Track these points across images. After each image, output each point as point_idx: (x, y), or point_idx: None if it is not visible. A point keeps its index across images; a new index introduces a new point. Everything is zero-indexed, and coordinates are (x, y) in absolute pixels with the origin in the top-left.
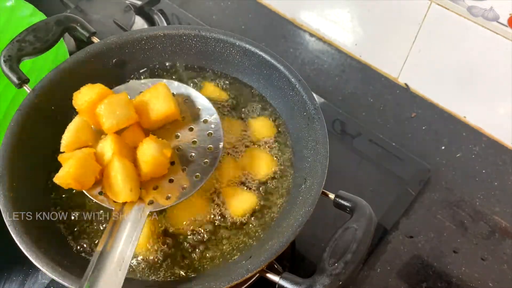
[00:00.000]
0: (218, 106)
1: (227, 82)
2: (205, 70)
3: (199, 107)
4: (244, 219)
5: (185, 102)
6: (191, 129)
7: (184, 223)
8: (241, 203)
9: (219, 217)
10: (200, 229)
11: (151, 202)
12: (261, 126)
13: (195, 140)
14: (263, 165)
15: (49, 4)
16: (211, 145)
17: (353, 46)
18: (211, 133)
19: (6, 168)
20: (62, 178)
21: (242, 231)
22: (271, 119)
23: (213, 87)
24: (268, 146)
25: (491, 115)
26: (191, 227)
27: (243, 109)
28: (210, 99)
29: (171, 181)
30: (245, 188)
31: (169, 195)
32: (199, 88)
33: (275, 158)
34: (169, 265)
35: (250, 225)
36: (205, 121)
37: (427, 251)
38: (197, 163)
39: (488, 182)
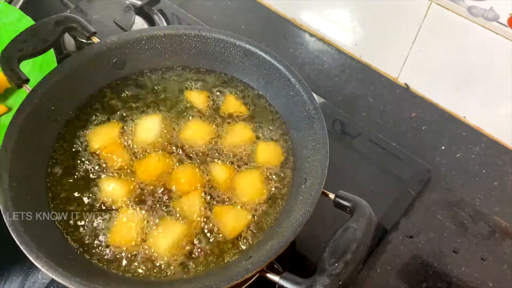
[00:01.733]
0: (236, 116)
1: (248, 94)
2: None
3: None
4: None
5: None
6: None
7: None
8: (232, 221)
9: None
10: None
11: None
12: (269, 152)
13: None
14: (251, 192)
15: (49, 4)
16: None
17: (353, 46)
18: None
19: (6, 168)
20: None
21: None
22: (282, 147)
23: (235, 100)
24: (269, 174)
25: (491, 115)
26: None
27: (258, 126)
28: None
29: None
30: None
31: None
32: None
33: (268, 188)
34: (168, 265)
35: (250, 226)
36: None
37: (427, 251)
38: None
39: (488, 182)
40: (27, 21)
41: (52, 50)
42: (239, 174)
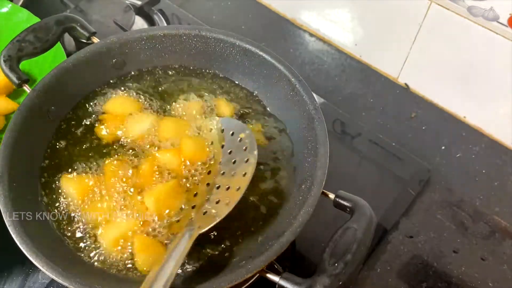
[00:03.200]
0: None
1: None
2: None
3: (233, 130)
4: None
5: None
6: (230, 152)
7: None
8: None
9: None
10: None
11: (199, 226)
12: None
13: (235, 159)
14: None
15: (49, 4)
16: (247, 158)
17: (353, 46)
18: (247, 147)
19: (6, 168)
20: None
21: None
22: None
23: (225, 104)
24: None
25: (491, 115)
26: None
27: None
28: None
29: (217, 202)
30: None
31: (214, 212)
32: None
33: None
34: None
35: (250, 226)
36: (240, 140)
37: (427, 251)
38: (238, 177)
39: (488, 182)
40: (35, 21)
41: (61, 47)
42: None
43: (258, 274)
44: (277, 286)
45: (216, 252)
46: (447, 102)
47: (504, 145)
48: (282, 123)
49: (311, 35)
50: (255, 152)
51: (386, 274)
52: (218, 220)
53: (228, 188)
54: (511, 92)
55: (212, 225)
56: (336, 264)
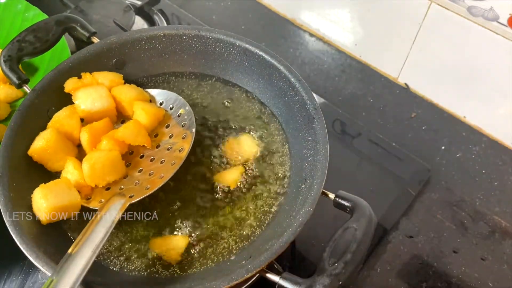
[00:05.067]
0: None
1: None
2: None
3: (173, 105)
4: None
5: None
6: (167, 126)
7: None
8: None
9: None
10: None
11: (131, 196)
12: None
13: (172, 134)
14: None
15: (49, 4)
16: (185, 134)
17: (353, 46)
18: (185, 123)
19: (6, 168)
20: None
21: (241, 230)
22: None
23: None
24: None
25: (491, 115)
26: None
27: (255, 127)
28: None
29: (150, 174)
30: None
31: (148, 186)
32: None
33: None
34: (168, 264)
35: (250, 225)
36: (179, 115)
37: (427, 251)
38: (174, 154)
39: (488, 182)
40: (35, 11)
41: (66, 45)
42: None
43: (258, 274)
44: (277, 286)
45: (216, 252)
46: (447, 102)
47: (504, 145)
48: (283, 122)
49: (311, 35)
50: (193, 130)
51: (386, 274)
52: (150, 192)
53: (162, 162)
54: (511, 92)
55: (143, 196)
56: (336, 264)
